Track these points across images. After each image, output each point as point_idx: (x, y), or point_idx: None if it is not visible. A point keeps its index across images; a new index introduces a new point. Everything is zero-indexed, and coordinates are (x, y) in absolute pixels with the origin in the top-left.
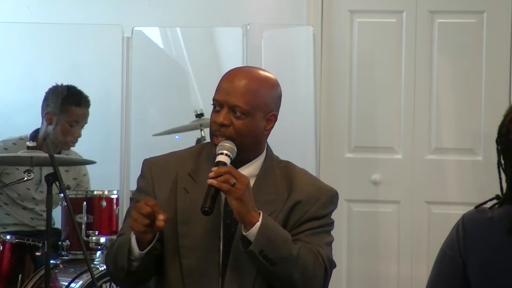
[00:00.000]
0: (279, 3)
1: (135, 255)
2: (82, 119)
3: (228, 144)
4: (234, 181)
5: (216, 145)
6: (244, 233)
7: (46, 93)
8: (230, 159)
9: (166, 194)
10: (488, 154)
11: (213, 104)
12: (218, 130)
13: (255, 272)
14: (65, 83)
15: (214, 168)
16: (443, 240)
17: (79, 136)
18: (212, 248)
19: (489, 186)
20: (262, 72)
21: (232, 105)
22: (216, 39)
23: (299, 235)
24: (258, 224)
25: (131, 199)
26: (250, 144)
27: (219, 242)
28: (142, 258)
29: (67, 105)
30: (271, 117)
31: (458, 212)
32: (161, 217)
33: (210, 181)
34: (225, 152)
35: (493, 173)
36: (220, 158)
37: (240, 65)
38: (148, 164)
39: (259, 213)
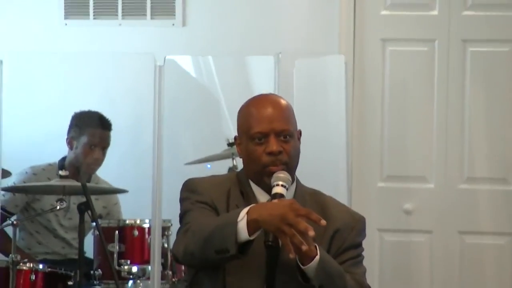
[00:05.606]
0: (311, 31)
1: (241, 239)
2: (102, 141)
3: (282, 174)
4: None
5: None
6: (302, 267)
7: (69, 122)
8: (286, 189)
9: (224, 210)
10: None
11: (252, 138)
12: (276, 159)
13: None
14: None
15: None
16: (475, 270)
17: (100, 158)
18: (256, 271)
19: None
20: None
21: (279, 131)
22: (248, 67)
23: (342, 265)
24: (317, 258)
25: (163, 226)
26: (295, 167)
27: (262, 266)
28: (246, 243)
29: (85, 127)
30: (299, 135)
31: (490, 242)
32: (312, 232)
33: None
34: (281, 183)
35: None
36: (277, 189)
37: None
38: (198, 181)
39: (315, 246)
